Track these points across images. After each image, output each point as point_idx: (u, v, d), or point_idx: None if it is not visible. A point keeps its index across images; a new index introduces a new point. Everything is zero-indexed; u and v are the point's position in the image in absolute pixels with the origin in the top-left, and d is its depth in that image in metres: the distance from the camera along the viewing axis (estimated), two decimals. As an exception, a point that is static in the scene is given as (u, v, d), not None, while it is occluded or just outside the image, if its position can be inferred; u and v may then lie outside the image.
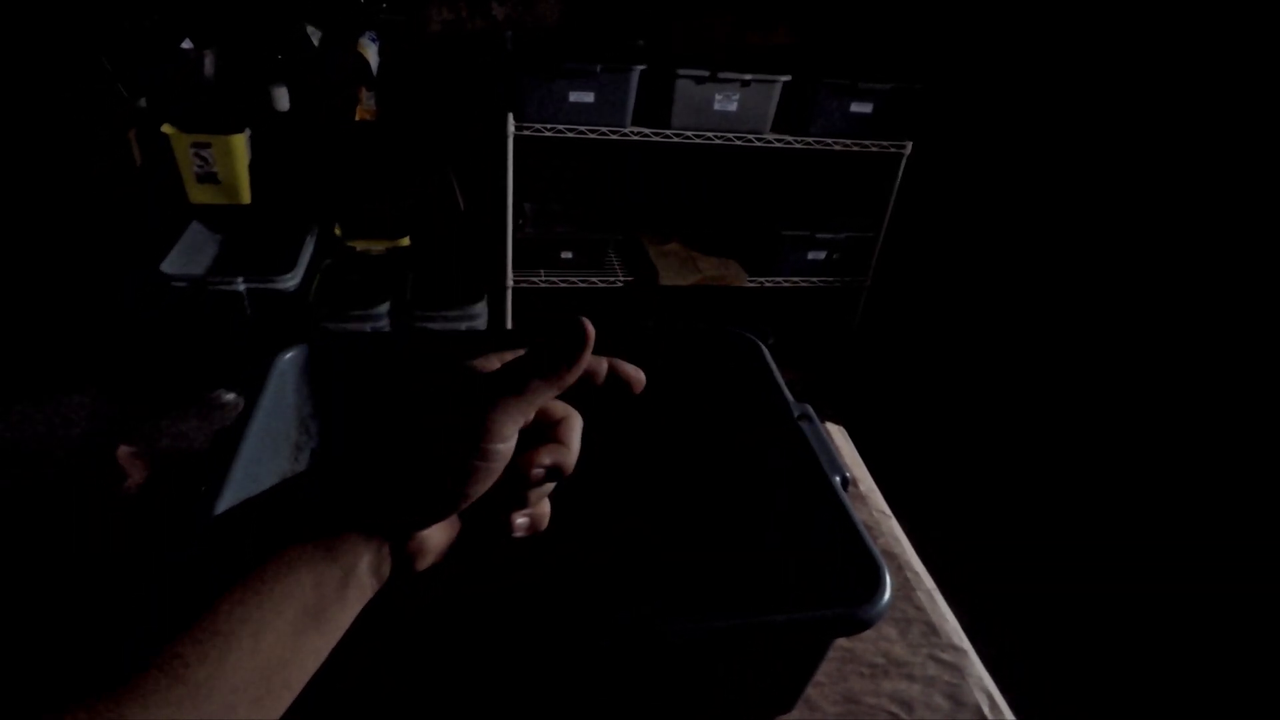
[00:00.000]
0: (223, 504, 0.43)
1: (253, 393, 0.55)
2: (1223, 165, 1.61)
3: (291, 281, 1.80)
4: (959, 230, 2.36)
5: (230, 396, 0.89)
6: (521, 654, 0.42)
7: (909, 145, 2.09)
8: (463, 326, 1.91)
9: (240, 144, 1.84)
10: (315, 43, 1.85)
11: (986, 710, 0.61)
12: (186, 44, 1.80)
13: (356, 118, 1.94)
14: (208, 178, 1.85)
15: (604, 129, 1.90)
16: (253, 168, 1.91)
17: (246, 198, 1.91)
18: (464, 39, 2.04)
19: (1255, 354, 1.57)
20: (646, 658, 0.45)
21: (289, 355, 0.59)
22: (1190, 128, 1.69)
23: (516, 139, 1.85)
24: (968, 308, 2.35)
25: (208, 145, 1.81)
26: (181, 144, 1.79)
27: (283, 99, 1.89)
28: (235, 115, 1.86)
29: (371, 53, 1.89)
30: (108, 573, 0.52)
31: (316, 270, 1.96)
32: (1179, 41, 1.72)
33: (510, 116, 1.83)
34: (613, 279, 2.16)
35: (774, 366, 0.69)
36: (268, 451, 0.53)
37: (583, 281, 2.13)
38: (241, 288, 1.75)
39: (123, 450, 0.62)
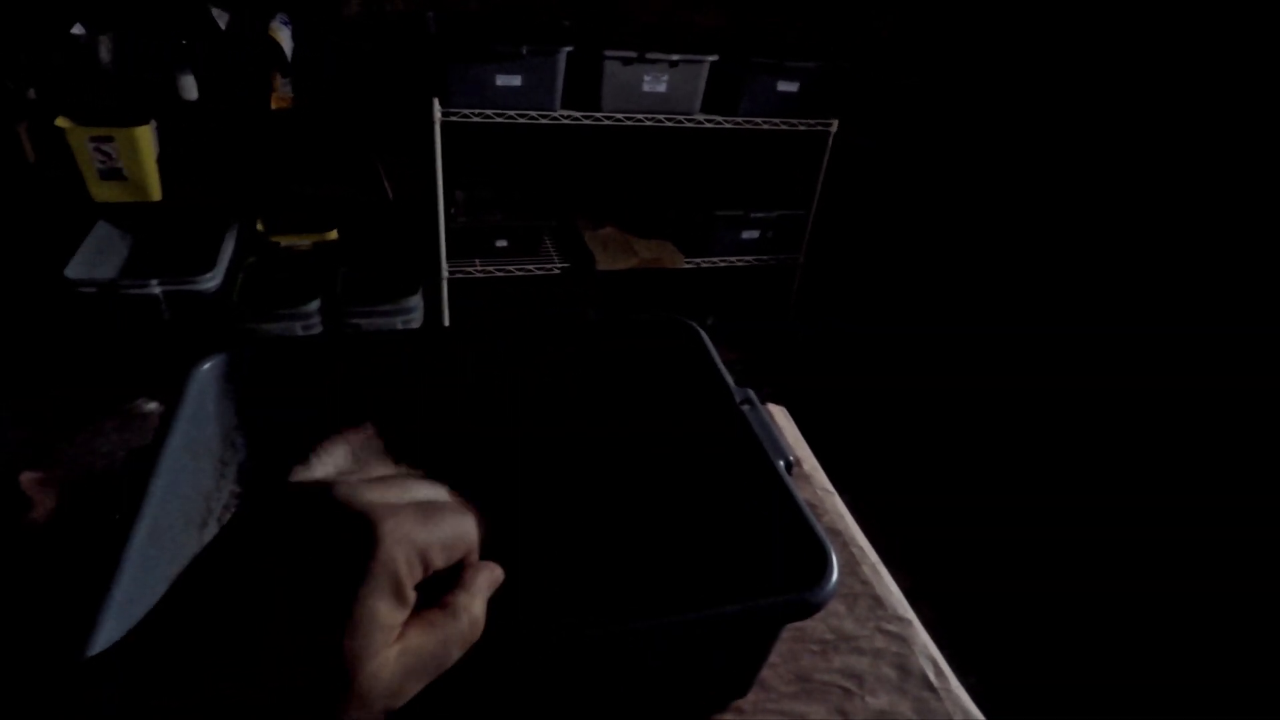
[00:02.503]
0: (140, 529, 0.41)
1: (169, 408, 0.52)
2: (1153, 151, 1.67)
3: (212, 282, 1.72)
4: (887, 204, 2.41)
5: (152, 406, 0.84)
6: (482, 659, 0.41)
7: (835, 123, 2.11)
8: (398, 321, 1.86)
9: (146, 136, 1.74)
10: (222, 26, 1.76)
11: (932, 677, 0.63)
12: (78, 29, 1.68)
13: (272, 106, 1.86)
14: (112, 174, 1.74)
15: (533, 113, 1.86)
16: (161, 162, 1.81)
17: (156, 194, 1.81)
18: (383, 21, 1.97)
19: (1177, 317, 1.66)
20: (598, 657, 0.45)
21: (206, 366, 0.56)
22: (1113, 105, 1.75)
23: (444, 125, 1.80)
24: (900, 278, 2.41)
25: (109, 139, 1.70)
26: (79, 138, 1.68)
27: (190, 87, 1.79)
28: (138, 106, 1.75)
29: (284, 36, 1.81)
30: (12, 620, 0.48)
31: (239, 269, 1.88)
32: (1098, 21, 1.79)
33: (436, 102, 1.77)
34: (549, 266, 2.13)
35: (714, 352, 0.69)
36: (188, 470, 0.50)
37: (519, 269, 2.10)
38: (157, 290, 1.66)
39: (26, 477, 0.57)
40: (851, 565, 0.73)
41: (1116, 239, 1.72)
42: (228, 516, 0.54)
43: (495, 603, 0.34)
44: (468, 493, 0.34)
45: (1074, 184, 1.82)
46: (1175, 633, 1.53)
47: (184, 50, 1.75)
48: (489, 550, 0.34)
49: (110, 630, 0.34)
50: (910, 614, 0.69)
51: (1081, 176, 1.80)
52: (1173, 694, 1.42)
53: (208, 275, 1.72)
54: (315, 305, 1.82)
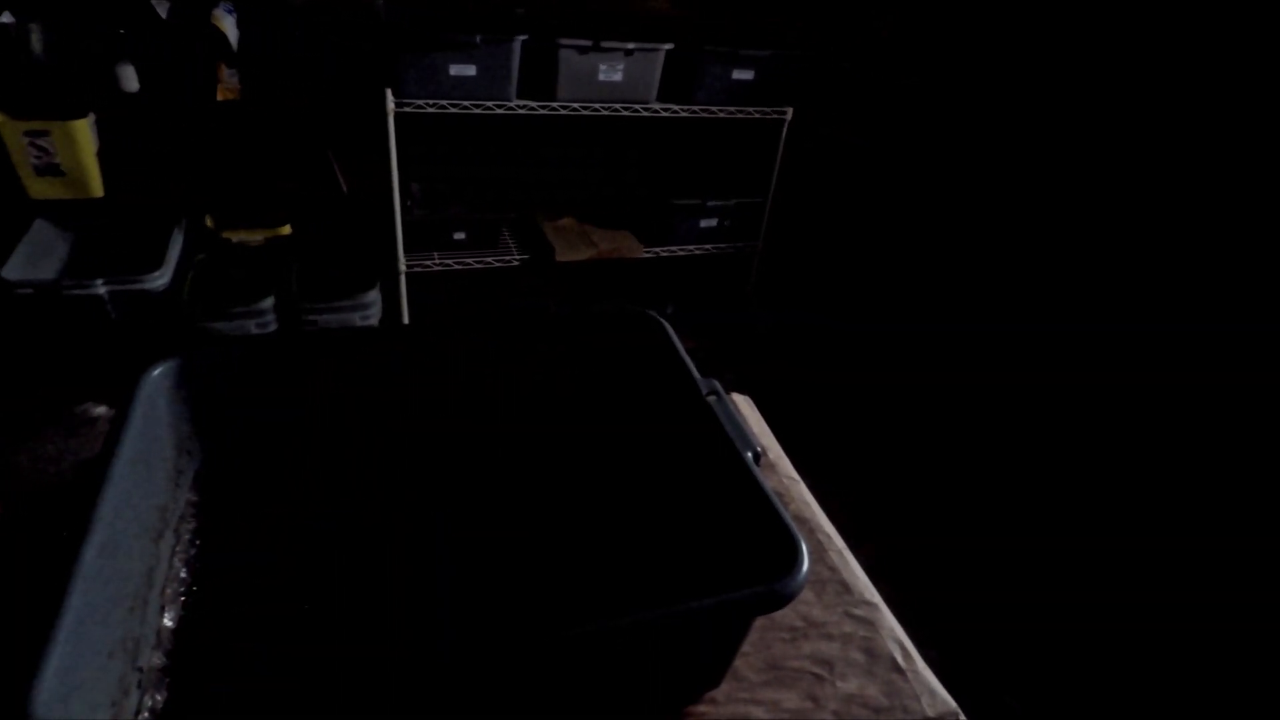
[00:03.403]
0: (90, 546, 0.39)
1: (119, 415, 0.50)
2: (1144, 152, 1.70)
3: (160, 280, 1.66)
4: (842, 191, 2.44)
5: (100, 410, 0.81)
6: (475, 656, 0.40)
7: (790, 111, 2.13)
8: (356, 317, 1.82)
9: (84, 130, 1.67)
10: (162, 14, 1.69)
11: (899, 659, 0.65)
12: (7, 17, 1.61)
13: (218, 98, 1.79)
14: (49, 169, 1.67)
15: (488, 103, 1.83)
16: (102, 156, 1.74)
17: (98, 190, 1.74)
18: (332, 8, 1.91)
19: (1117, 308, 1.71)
20: (571, 655, 0.45)
21: (157, 371, 0.54)
22: (1103, 105, 1.78)
23: (397, 116, 1.76)
24: (861, 268, 2.44)
25: (45, 133, 1.63)
26: (12, 132, 1.61)
27: (130, 78, 1.72)
28: (75, 98, 1.68)
29: (229, 25, 1.75)
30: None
31: (189, 266, 1.82)
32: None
33: (389, 92, 1.74)
34: (508, 258, 2.11)
35: (679, 345, 0.69)
36: (141, 482, 0.48)
37: (478, 262, 2.08)
38: (102, 290, 1.60)
39: (-33, 491, 0.55)
40: (819, 552, 0.74)
41: (1096, 237, 1.75)
42: (184, 527, 0.53)
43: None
44: None
45: (1053, 183, 1.84)
46: (1135, 602, 1.59)
47: (122, 40, 1.68)
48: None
49: (61, 655, 0.32)
50: (876, 597, 0.71)
51: (1062, 176, 1.82)
52: (1138, 663, 1.48)
53: (155, 274, 1.66)
54: (269, 302, 1.77)
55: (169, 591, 0.52)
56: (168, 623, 0.51)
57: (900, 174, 2.25)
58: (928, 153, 2.16)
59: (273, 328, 1.77)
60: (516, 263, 2.11)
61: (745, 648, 0.61)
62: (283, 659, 0.50)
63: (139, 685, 0.45)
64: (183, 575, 0.54)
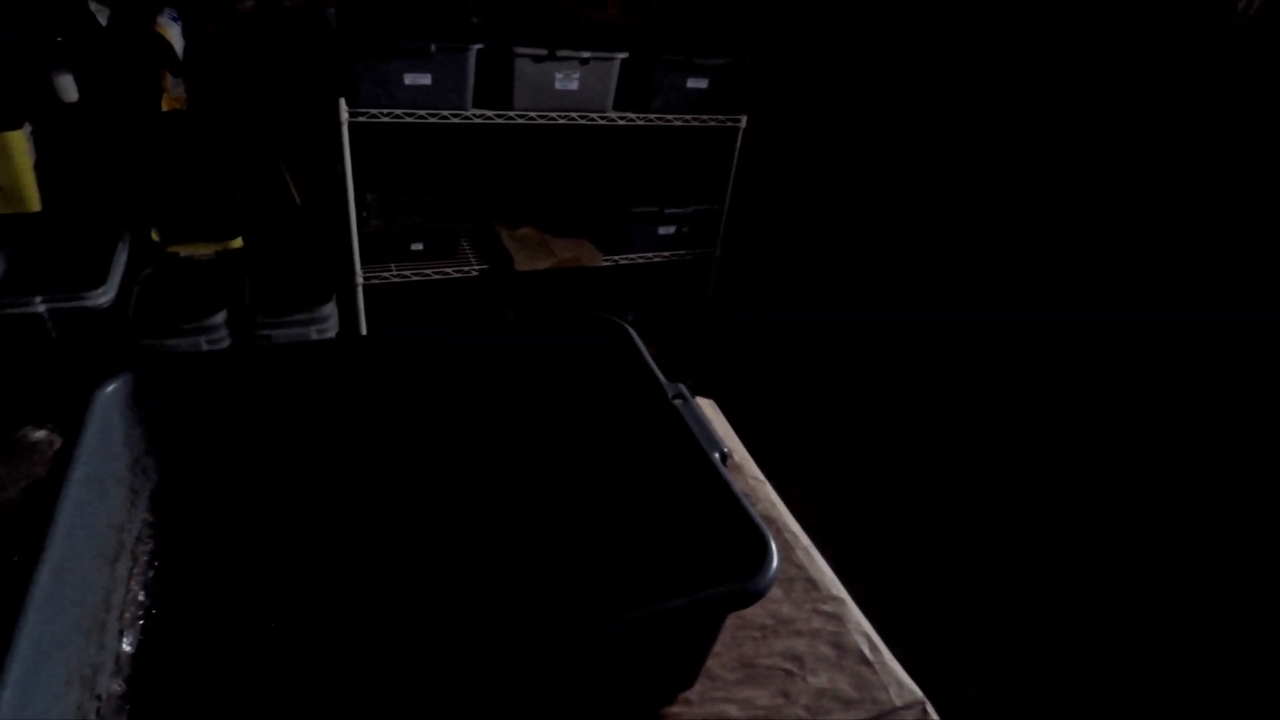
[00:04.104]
0: (44, 570, 0.38)
1: (71, 436, 0.48)
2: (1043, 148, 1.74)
3: (104, 297, 1.61)
4: (797, 197, 2.48)
5: (41, 434, 0.78)
6: (454, 662, 0.40)
7: (744, 119, 2.15)
8: (313, 331, 1.78)
9: (19, 141, 1.61)
10: (103, 22, 1.64)
11: (866, 651, 0.66)
12: (-64, 28, 1.55)
13: (164, 108, 1.75)
14: (-18, 184, 1.61)
15: (444, 112, 1.82)
16: (39, 169, 1.68)
17: (35, 204, 1.68)
18: (281, 15, 1.88)
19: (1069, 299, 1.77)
20: (552, 658, 0.45)
21: (110, 388, 0.52)
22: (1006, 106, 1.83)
23: (352, 126, 1.74)
24: (810, 267, 2.48)
25: (-22, 146, 1.56)
26: (-57, 146, 1.54)
27: (69, 88, 1.66)
28: (9, 108, 1.62)
29: (174, 33, 1.70)
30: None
31: (134, 282, 1.76)
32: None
33: (342, 102, 1.71)
34: (467, 268, 2.09)
35: (644, 350, 0.69)
36: (95, 502, 0.47)
37: (436, 273, 2.06)
38: (41, 308, 1.55)
39: (-92, 519, 0.52)
40: (786, 550, 0.75)
41: (1074, 244, 1.80)
42: (141, 549, 0.51)
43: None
44: None
45: (1032, 191, 1.89)
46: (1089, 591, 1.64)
47: (60, 48, 1.63)
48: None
49: (15, 684, 0.31)
50: (843, 593, 0.72)
51: (1043, 184, 1.86)
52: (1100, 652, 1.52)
53: (99, 290, 1.61)
54: (221, 317, 1.73)
55: (127, 615, 0.50)
56: (126, 648, 0.49)
57: (870, 178, 2.29)
58: (903, 158, 2.20)
59: (225, 344, 1.73)
60: (475, 273, 2.10)
61: (717, 647, 0.61)
62: (247, 679, 0.49)
63: (98, 713, 0.44)
64: (141, 598, 0.52)
